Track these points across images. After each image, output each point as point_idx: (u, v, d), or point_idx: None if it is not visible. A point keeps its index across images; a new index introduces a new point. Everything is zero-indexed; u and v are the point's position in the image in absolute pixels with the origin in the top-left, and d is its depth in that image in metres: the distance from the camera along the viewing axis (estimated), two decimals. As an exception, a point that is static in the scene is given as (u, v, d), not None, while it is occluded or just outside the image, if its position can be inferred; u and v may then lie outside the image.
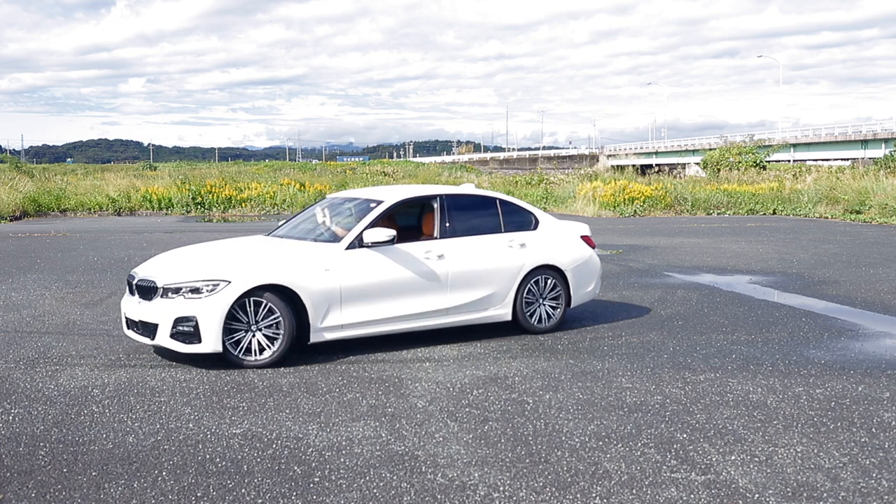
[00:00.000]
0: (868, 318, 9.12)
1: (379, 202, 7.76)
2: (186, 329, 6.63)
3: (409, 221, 8.21)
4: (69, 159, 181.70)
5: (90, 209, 29.56)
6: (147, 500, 4.16)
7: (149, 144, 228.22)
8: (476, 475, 4.48)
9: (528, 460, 4.71)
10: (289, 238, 7.95)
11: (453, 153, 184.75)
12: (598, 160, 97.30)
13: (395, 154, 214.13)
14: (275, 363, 6.83)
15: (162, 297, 6.79)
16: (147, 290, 6.92)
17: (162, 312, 6.72)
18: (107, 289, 11.15)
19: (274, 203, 30.68)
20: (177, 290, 6.73)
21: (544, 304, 8.26)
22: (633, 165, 74.76)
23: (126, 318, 7.24)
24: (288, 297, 6.87)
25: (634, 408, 5.70)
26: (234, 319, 6.72)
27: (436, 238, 7.79)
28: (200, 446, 4.94)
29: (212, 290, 6.66)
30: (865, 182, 28.83)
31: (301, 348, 7.24)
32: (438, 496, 4.21)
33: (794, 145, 66.67)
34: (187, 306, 6.64)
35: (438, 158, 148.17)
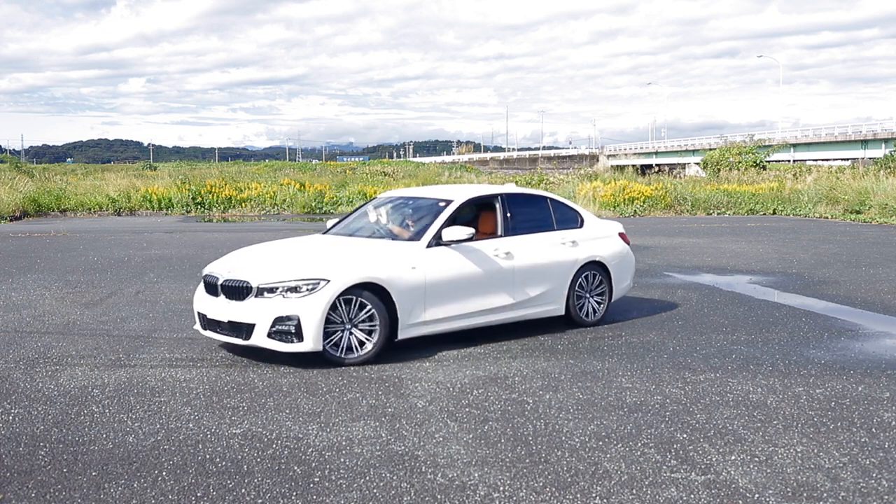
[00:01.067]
0: (868, 318, 9.12)
1: (449, 201, 7.96)
2: (287, 328, 6.65)
3: (466, 220, 8.25)
4: (69, 159, 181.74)
5: (90, 209, 29.56)
6: (147, 500, 4.16)
7: (149, 144, 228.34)
8: (476, 475, 4.48)
9: (528, 460, 4.71)
10: (357, 237, 8.12)
11: (453, 153, 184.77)
12: (597, 160, 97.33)
13: (395, 154, 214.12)
14: (368, 361, 6.91)
15: (257, 296, 6.81)
16: (238, 291, 6.91)
17: (259, 312, 6.73)
18: (107, 289, 11.15)
19: (274, 203, 30.68)
20: (273, 290, 6.76)
21: (592, 299, 8.67)
22: (633, 165, 74.75)
23: (205, 318, 7.22)
24: (380, 294, 6.98)
25: (634, 408, 5.70)
26: (330, 318, 6.77)
27: (500, 236, 8.02)
28: (200, 446, 4.94)
29: (312, 289, 6.71)
30: (865, 182, 28.83)
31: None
32: (438, 496, 4.21)
33: (794, 145, 66.69)
34: (288, 306, 6.67)
35: (438, 158, 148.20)
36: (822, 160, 63.09)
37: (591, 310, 8.63)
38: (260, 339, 6.75)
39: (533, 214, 8.47)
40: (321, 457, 4.77)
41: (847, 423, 5.36)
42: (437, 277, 7.30)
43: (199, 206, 30.38)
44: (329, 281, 6.74)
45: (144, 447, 4.92)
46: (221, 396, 5.98)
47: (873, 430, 5.24)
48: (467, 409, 5.66)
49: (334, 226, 8.80)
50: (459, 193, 8.19)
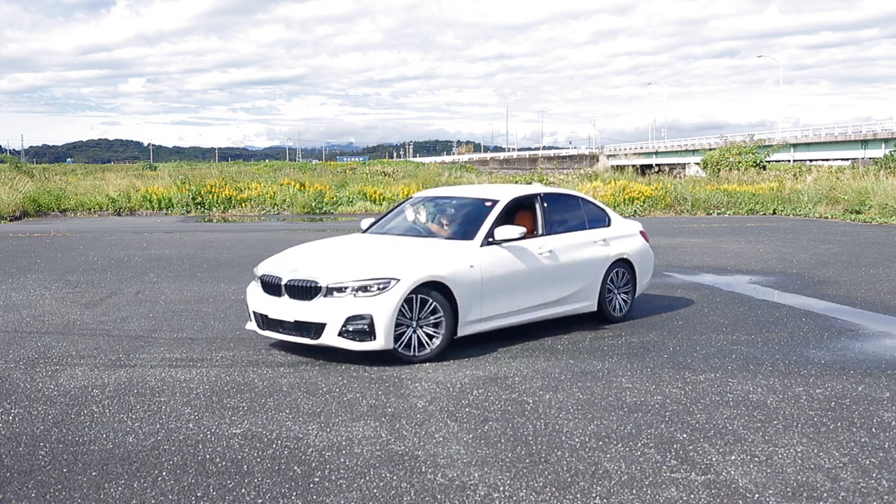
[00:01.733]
0: (868, 318, 9.12)
1: (495, 201, 8.12)
2: (359, 327, 6.73)
3: (508, 219, 8.33)
4: (69, 159, 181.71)
5: (90, 209, 29.56)
6: (147, 500, 4.16)
7: (149, 144, 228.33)
8: (476, 475, 4.48)
9: (528, 460, 4.71)
10: (407, 236, 8.19)
11: (453, 153, 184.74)
12: (597, 160, 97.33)
13: (395, 154, 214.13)
14: (433, 358, 6.99)
15: (325, 296, 6.85)
16: (305, 291, 6.94)
17: (330, 312, 6.77)
18: (107, 289, 11.15)
19: (274, 203, 30.68)
20: (342, 290, 6.82)
21: (619, 295, 8.95)
22: (633, 165, 74.73)
23: (266, 318, 7.21)
24: (443, 292, 7.10)
25: (634, 408, 5.70)
26: (398, 316, 6.85)
27: (541, 235, 8.22)
28: (200, 446, 4.94)
29: (383, 288, 6.78)
30: (865, 182, 28.82)
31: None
32: (438, 496, 4.21)
33: (794, 145, 66.68)
34: (360, 304, 6.73)
35: (438, 158, 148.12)
36: (822, 160, 63.07)
37: (619, 305, 8.92)
38: (330, 338, 6.80)
39: (567, 214, 8.74)
40: (321, 457, 4.77)
41: (847, 423, 5.36)
42: (491, 275, 7.47)
43: (199, 206, 30.38)
44: (399, 280, 6.83)
45: (144, 447, 4.92)
46: (221, 396, 5.98)
47: (873, 430, 5.24)
48: (467, 409, 5.66)
49: (373, 225, 8.86)
50: (503, 193, 8.36)
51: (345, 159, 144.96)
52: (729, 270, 13.19)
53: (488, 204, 8.10)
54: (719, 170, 48.21)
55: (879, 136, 57.72)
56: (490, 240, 7.64)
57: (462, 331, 7.27)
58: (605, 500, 4.15)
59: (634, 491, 4.26)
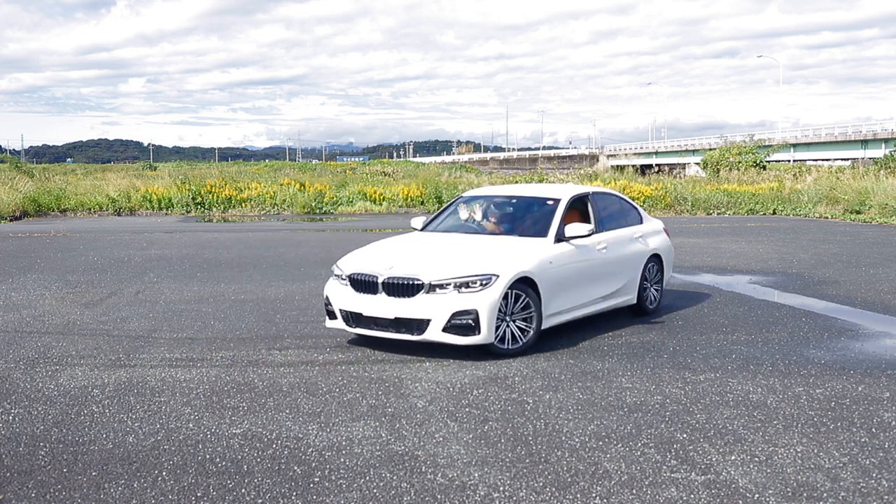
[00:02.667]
0: (868, 318, 9.12)
1: (557, 199, 8.46)
2: (465, 322, 6.88)
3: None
4: (69, 159, 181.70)
5: (90, 209, 29.56)
6: (147, 500, 4.16)
7: (149, 144, 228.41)
8: (476, 475, 4.48)
9: (528, 460, 4.70)
10: (477, 234, 8.41)
11: (453, 153, 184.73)
12: (597, 160, 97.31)
13: (395, 154, 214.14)
14: (525, 352, 7.21)
15: (428, 293, 6.99)
16: (406, 288, 7.05)
17: (434, 308, 6.92)
18: (107, 289, 11.15)
19: (274, 203, 30.68)
20: (445, 286, 6.98)
21: (652, 288, 9.39)
22: (633, 165, 74.70)
23: (360, 316, 7.27)
24: (532, 287, 7.32)
25: (634, 408, 5.69)
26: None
27: (595, 232, 8.50)
28: (200, 446, 4.94)
29: (486, 284, 6.97)
30: (865, 182, 28.82)
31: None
32: (438, 496, 4.21)
33: (794, 145, 66.68)
34: (465, 300, 6.91)
35: (438, 158, 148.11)
36: (822, 160, 63.05)
37: (652, 298, 9.39)
38: (434, 333, 6.94)
39: (612, 211, 9.13)
40: (321, 457, 4.76)
41: (847, 423, 5.36)
42: (564, 271, 7.78)
43: (199, 206, 30.38)
44: (499, 276, 7.03)
45: (144, 447, 4.92)
46: (221, 396, 5.98)
47: (873, 430, 5.24)
48: (467, 409, 5.66)
49: (430, 223, 9.04)
50: (562, 192, 8.71)
51: (345, 159, 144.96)
52: (729, 270, 13.19)
53: (550, 203, 8.44)
54: (719, 170, 48.21)
55: (879, 136, 57.72)
56: (560, 237, 7.95)
57: (544, 323, 7.50)
58: (605, 500, 4.15)
59: (634, 491, 4.26)
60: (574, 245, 8.02)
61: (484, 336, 6.91)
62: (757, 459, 4.70)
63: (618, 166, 77.84)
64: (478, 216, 8.81)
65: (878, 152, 51.92)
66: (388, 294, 7.12)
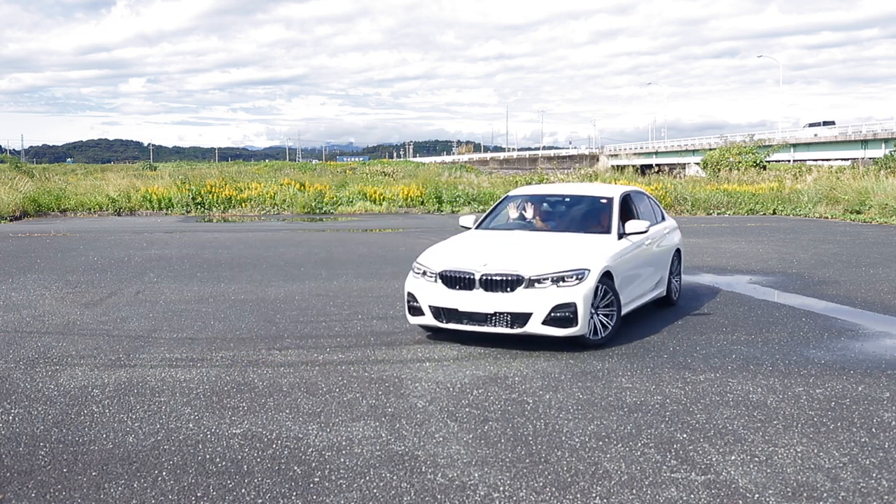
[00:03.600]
0: (868, 318, 9.12)
1: (609, 198, 8.90)
2: (564, 315, 7.18)
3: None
4: (69, 159, 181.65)
5: (90, 209, 29.56)
6: (147, 500, 4.16)
7: (149, 144, 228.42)
8: (476, 475, 4.48)
9: (528, 460, 4.70)
10: (543, 231, 8.69)
11: (453, 153, 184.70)
12: (598, 160, 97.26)
13: (395, 154, 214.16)
14: (609, 342, 7.56)
15: (527, 287, 7.22)
16: (505, 283, 7.27)
17: (535, 302, 7.18)
18: (107, 289, 11.15)
19: (274, 203, 30.68)
20: (542, 281, 7.25)
21: (674, 280, 9.88)
22: (634, 165, 74.71)
23: (455, 311, 7.41)
24: (612, 281, 7.70)
25: (634, 408, 5.69)
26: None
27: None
28: (200, 446, 4.94)
29: (580, 278, 7.30)
30: (865, 182, 28.82)
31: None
32: (438, 496, 4.21)
33: (794, 145, 66.65)
34: (564, 294, 7.20)
35: (438, 158, 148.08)
36: (822, 160, 63.03)
37: (675, 289, 9.91)
38: (535, 326, 7.21)
39: (646, 209, 9.52)
40: (321, 457, 4.76)
41: (847, 423, 5.36)
42: (627, 265, 8.20)
43: (199, 206, 30.38)
44: (590, 270, 7.38)
45: (144, 447, 4.92)
46: (221, 396, 5.98)
47: (873, 430, 5.24)
48: (467, 409, 5.66)
49: (483, 221, 9.23)
50: (611, 191, 9.18)
51: (345, 159, 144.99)
52: (729, 270, 13.19)
53: (604, 201, 8.90)
54: (719, 170, 48.19)
55: (879, 136, 57.68)
56: (621, 233, 8.40)
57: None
58: (605, 500, 4.15)
59: (634, 491, 4.26)
60: (631, 241, 8.44)
61: (580, 328, 7.22)
62: (757, 459, 4.70)
63: (618, 166, 77.83)
64: (529, 214, 9.12)
65: (878, 152, 51.90)
66: (486, 290, 7.31)
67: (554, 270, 7.27)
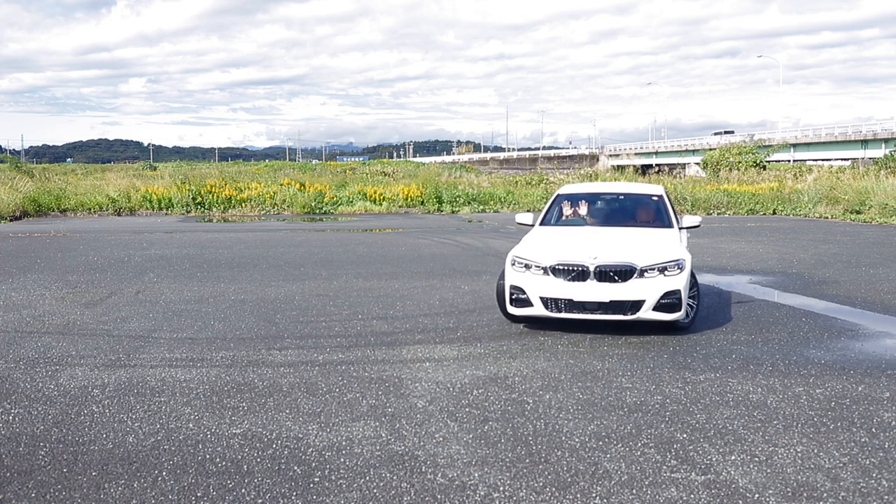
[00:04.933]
0: (868, 318, 9.12)
1: (659, 195, 9.89)
2: (671, 301, 7.84)
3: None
4: (69, 159, 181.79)
5: (90, 209, 29.56)
6: (147, 500, 4.16)
7: (149, 144, 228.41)
8: (476, 475, 4.48)
9: (528, 460, 4.70)
10: (606, 226, 9.44)
11: (453, 153, 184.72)
12: (598, 160, 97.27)
13: (395, 154, 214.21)
14: (691, 326, 8.34)
15: (638, 277, 7.86)
16: (618, 274, 7.88)
17: (647, 290, 7.83)
18: (107, 289, 11.15)
19: (274, 203, 30.69)
20: (650, 271, 7.89)
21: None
22: (634, 165, 74.70)
23: (570, 302, 7.90)
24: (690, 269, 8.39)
25: (634, 408, 5.69)
26: None
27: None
28: (200, 446, 4.94)
29: (681, 268, 8.00)
30: (865, 182, 28.83)
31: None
32: (438, 496, 4.21)
33: (795, 145, 66.64)
34: (670, 282, 7.87)
35: (438, 158, 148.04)
36: (823, 160, 63.03)
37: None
38: (646, 312, 7.85)
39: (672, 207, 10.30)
40: (321, 457, 4.76)
41: (847, 423, 5.36)
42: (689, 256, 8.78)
43: (199, 206, 30.39)
44: (685, 260, 8.13)
45: (144, 447, 4.92)
46: (221, 396, 5.98)
47: (873, 430, 5.24)
48: (467, 409, 5.66)
49: (545, 217, 9.83)
50: (655, 189, 10.15)
51: (345, 159, 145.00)
52: (729, 270, 13.19)
53: (655, 198, 9.82)
54: (719, 170, 48.22)
55: (879, 136, 57.68)
56: (680, 226, 9.31)
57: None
58: (605, 500, 4.15)
59: (634, 491, 4.26)
60: (687, 233, 9.37)
61: (682, 313, 7.93)
62: (757, 459, 4.70)
63: (618, 166, 77.81)
64: (583, 211, 9.80)
65: (879, 152, 51.91)
66: (599, 280, 7.86)
67: (660, 261, 7.94)
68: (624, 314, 7.82)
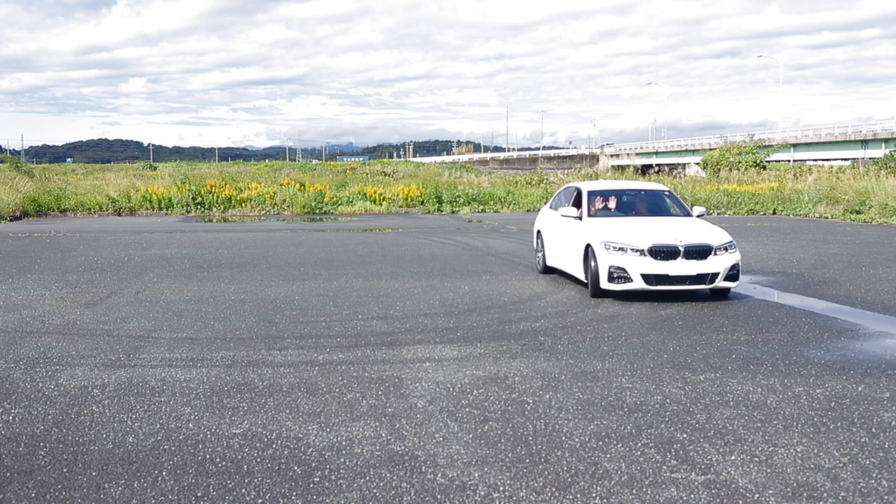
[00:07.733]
0: (868, 318, 9.12)
1: (669, 190, 12.19)
2: (734, 273, 10.15)
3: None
4: (69, 159, 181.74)
5: (90, 209, 29.56)
6: (147, 500, 4.16)
7: (149, 144, 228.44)
8: (476, 475, 4.48)
9: (528, 460, 4.70)
10: (645, 216, 11.38)
11: (453, 153, 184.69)
12: (598, 160, 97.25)
13: (395, 154, 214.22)
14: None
15: (714, 255, 10.02)
16: (701, 252, 9.98)
17: (721, 265, 10.01)
18: (107, 289, 11.15)
19: (274, 203, 30.70)
20: (719, 250, 10.06)
21: None
22: (634, 165, 74.69)
23: (664, 276, 9.88)
24: None
25: (634, 408, 5.69)
26: None
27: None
28: (200, 446, 4.94)
29: (734, 248, 10.27)
30: (865, 182, 28.83)
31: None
32: (438, 496, 4.21)
33: (795, 145, 66.63)
34: (733, 258, 10.14)
35: (438, 158, 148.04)
36: (823, 160, 63.03)
37: None
38: (719, 282, 10.05)
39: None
40: (321, 457, 4.76)
41: (847, 423, 5.35)
42: None
43: (199, 206, 30.40)
44: (732, 241, 10.33)
45: (144, 447, 4.92)
46: (221, 396, 5.98)
47: (873, 430, 5.23)
48: (467, 409, 5.66)
49: (584, 210, 11.45)
50: (662, 186, 12.38)
51: (345, 159, 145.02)
52: (729, 270, 13.18)
53: (666, 193, 12.08)
54: (719, 170, 48.22)
55: (880, 136, 57.68)
56: (695, 215, 11.48)
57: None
58: (605, 500, 4.15)
59: (634, 491, 4.26)
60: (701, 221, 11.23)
61: (740, 281, 10.42)
62: (757, 459, 4.70)
63: (618, 166, 77.78)
64: (612, 204, 11.63)
65: (879, 152, 51.90)
66: (686, 258, 9.91)
67: (722, 242, 10.15)
68: (705, 284, 9.95)
